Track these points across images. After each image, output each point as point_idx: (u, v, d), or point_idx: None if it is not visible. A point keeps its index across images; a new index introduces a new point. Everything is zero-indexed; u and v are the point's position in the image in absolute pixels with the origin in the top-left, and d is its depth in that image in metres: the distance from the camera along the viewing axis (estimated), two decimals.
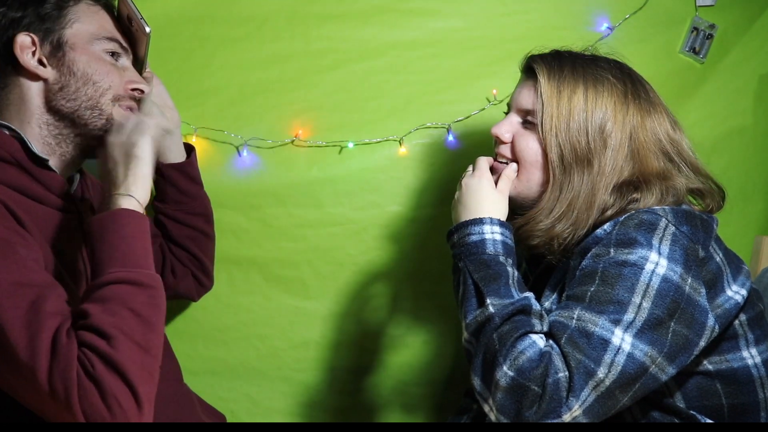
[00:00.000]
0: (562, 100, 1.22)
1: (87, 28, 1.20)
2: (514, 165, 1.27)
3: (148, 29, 1.24)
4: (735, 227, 1.75)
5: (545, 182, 1.24)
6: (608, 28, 1.67)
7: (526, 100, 1.26)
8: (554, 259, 1.25)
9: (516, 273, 1.18)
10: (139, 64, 1.31)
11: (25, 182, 1.13)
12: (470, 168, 1.29)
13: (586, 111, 1.21)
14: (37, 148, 1.16)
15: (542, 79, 1.23)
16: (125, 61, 1.26)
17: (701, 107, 1.74)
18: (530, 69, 1.27)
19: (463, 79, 1.66)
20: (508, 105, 1.33)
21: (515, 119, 1.29)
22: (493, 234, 1.19)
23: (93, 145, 1.22)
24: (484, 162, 1.29)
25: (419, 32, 1.65)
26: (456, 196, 1.27)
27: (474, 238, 1.19)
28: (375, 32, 1.64)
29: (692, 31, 1.71)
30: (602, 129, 1.21)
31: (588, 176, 1.20)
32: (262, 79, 1.63)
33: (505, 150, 1.29)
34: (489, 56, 1.65)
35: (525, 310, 1.11)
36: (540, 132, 1.23)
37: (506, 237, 1.20)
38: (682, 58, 1.72)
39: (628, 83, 1.25)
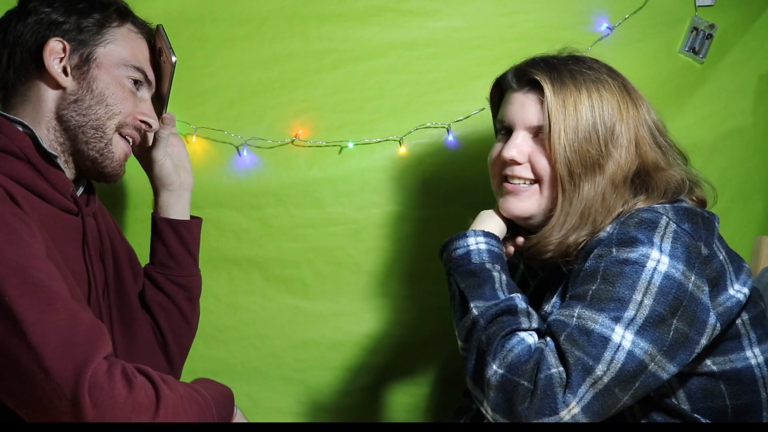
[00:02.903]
0: (569, 110, 1.18)
1: (119, 52, 1.22)
2: None
3: (174, 59, 1.26)
4: (735, 227, 1.75)
5: (555, 197, 1.21)
6: (608, 28, 1.67)
7: (534, 116, 1.22)
8: (568, 266, 1.22)
9: (504, 277, 1.18)
10: (160, 101, 1.32)
11: (32, 178, 1.14)
12: None
13: (594, 117, 1.19)
14: (47, 146, 1.17)
15: (548, 93, 1.19)
16: (145, 93, 1.27)
17: (701, 107, 1.74)
18: (530, 82, 1.23)
19: (463, 79, 1.66)
20: (501, 122, 1.28)
21: (525, 137, 1.24)
22: (477, 244, 1.20)
23: (87, 165, 1.22)
24: None
25: (419, 32, 1.65)
26: None
27: (460, 251, 1.21)
28: (375, 32, 1.64)
29: (692, 31, 1.71)
30: (612, 131, 1.19)
31: (601, 181, 1.18)
32: (262, 79, 1.63)
33: (523, 171, 1.23)
34: (489, 56, 1.65)
35: (510, 310, 1.12)
36: (548, 147, 1.20)
37: (491, 245, 1.21)
38: (682, 58, 1.72)
39: (618, 78, 1.24)
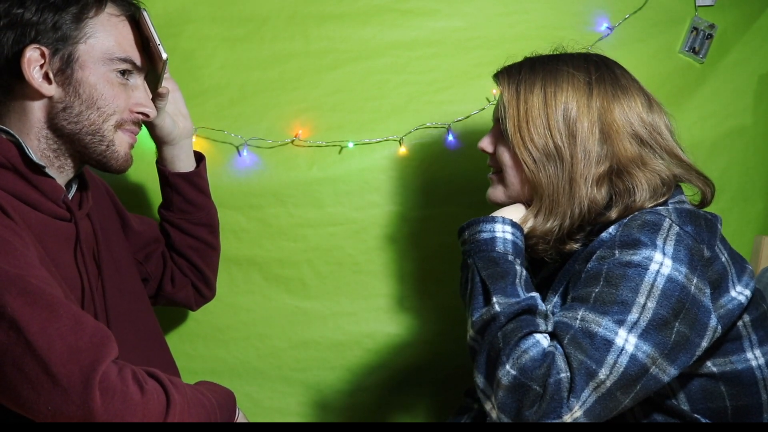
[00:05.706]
0: (520, 101, 1.23)
1: (102, 45, 1.15)
2: None
3: (165, 56, 1.20)
4: (735, 227, 1.75)
5: (522, 185, 1.26)
6: (608, 28, 1.67)
7: (497, 110, 1.30)
8: (549, 257, 1.25)
9: (524, 273, 1.18)
10: (154, 80, 1.26)
11: (20, 187, 1.10)
12: None
13: (546, 106, 1.22)
14: (35, 157, 1.13)
15: (503, 87, 1.26)
16: (137, 79, 1.21)
17: (701, 107, 1.74)
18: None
19: (463, 79, 1.66)
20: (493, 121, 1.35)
21: (495, 130, 1.31)
22: (504, 233, 1.20)
23: (92, 164, 1.20)
24: None
25: (419, 32, 1.65)
26: None
27: (485, 235, 1.20)
28: (375, 32, 1.64)
29: (692, 31, 1.71)
30: (567, 120, 1.21)
31: (563, 168, 1.21)
32: (262, 79, 1.63)
33: (491, 161, 1.32)
34: (489, 56, 1.64)
35: (531, 310, 1.12)
36: (506, 137, 1.25)
37: (517, 238, 1.21)
38: (682, 58, 1.72)
39: (592, 70, 1.24)
